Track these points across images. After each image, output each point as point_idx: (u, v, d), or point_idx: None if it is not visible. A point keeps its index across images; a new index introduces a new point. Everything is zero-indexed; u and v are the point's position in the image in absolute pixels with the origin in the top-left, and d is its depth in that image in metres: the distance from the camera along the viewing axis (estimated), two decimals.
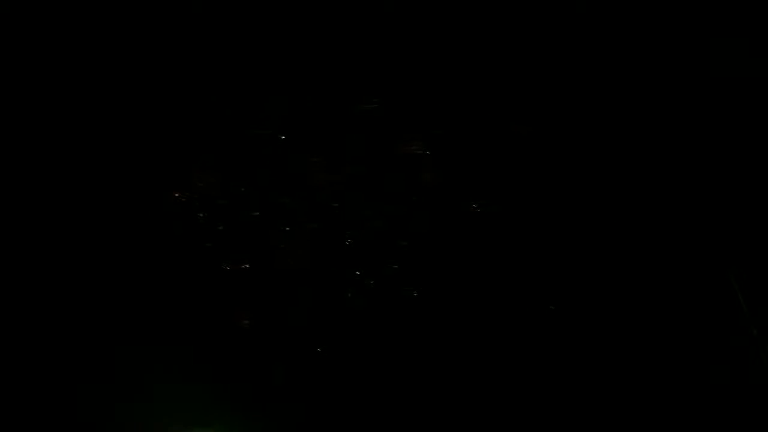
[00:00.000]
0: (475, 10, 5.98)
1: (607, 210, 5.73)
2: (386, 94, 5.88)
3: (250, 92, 5.92)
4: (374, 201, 5.71)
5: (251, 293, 5.57)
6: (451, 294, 5.65)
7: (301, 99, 5.89)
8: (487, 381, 5.43)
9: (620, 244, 5.62)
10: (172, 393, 5.23)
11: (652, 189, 5.73)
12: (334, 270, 5.64)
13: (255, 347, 5.46)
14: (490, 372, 5.44)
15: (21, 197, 5.66)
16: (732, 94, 5.76)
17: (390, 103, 5.86)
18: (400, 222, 5.70)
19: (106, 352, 5.33)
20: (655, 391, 5.29)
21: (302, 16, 5.98)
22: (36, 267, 5.51)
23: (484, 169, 5.86)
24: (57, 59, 5.88)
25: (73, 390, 5.26)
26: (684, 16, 5.84)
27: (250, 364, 5.40)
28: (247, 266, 5.58)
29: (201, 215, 5.65)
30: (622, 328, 5.45)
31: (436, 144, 5.83)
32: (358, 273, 5.59)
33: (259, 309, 5.53)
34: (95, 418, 5.21)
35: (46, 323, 5.41)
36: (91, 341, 5.37)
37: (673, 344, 5.38)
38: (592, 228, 5.69)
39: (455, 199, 5.78)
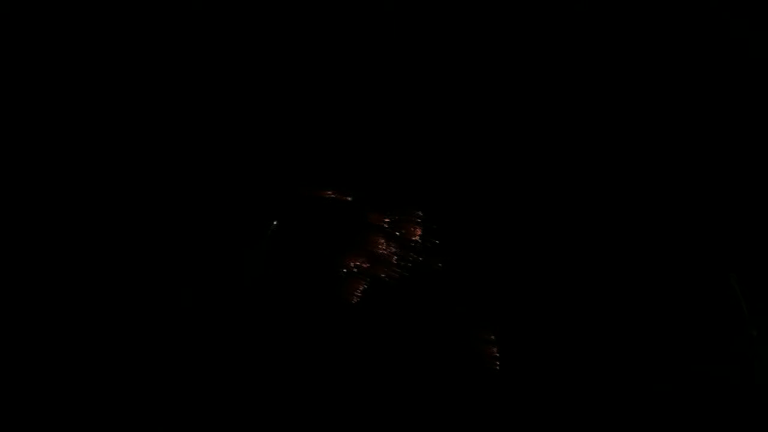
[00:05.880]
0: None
1: (610, 213, 5.80)
2: None
3: None
4: None
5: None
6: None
7: None
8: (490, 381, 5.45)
9: (624, 248, 5.70)
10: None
11: (654, 193, 5.82)
12: None
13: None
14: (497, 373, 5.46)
15: None
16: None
17: None
18: None
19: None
20: (657, 390, 5.36)
21: None
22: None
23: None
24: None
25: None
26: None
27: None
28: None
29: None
30: (624, 328, 5.53)
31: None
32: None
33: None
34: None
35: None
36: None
37: (674, 344, 5.47)
38: (595, 231, 5.76)
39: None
